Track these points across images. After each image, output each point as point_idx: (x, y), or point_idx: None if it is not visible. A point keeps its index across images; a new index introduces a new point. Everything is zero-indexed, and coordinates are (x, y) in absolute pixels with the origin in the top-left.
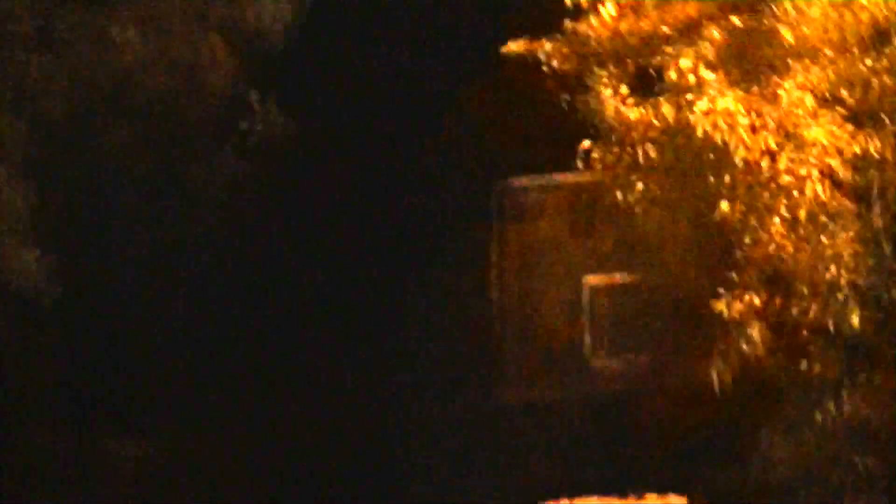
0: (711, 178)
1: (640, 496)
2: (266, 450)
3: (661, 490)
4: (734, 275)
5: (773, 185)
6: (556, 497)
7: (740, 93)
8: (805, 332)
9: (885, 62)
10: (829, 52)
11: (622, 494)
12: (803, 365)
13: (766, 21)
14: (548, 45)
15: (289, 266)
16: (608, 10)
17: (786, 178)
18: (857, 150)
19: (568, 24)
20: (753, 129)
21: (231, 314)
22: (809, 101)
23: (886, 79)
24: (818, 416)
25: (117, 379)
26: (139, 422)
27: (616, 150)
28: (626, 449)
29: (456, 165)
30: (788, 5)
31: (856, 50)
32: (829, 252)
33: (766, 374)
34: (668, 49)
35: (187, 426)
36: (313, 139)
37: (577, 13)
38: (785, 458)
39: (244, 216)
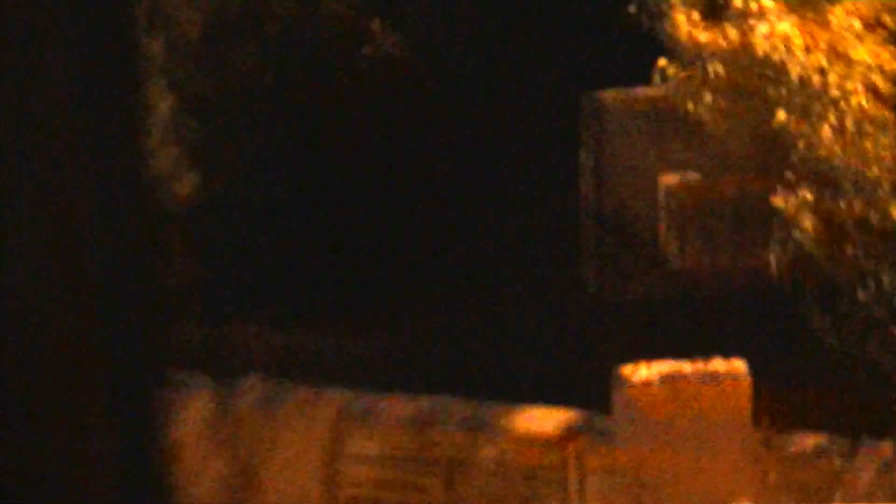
0: (770, 92)
1: (708, 360)
2: None
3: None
4: (790, 174)
5: (824, 98)
6: None
7: (796, 19)
8: (850, 224)
9: None
10: None
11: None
12: (848, 251)
13: None
14: None
15: (402, 181)
16: None
17: (835, 92)
18: None
19: None
20: (807, 50)
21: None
22: (857, 25)
23: None
24: (860, 294)
25: None
26: None
27: (688, 68)
28: (698, 338)
29: (550, 79)
30: None
31: None
32: (871, 155)
33: (816, 260)
34: None
35: None
36: (427, 63)
37: None
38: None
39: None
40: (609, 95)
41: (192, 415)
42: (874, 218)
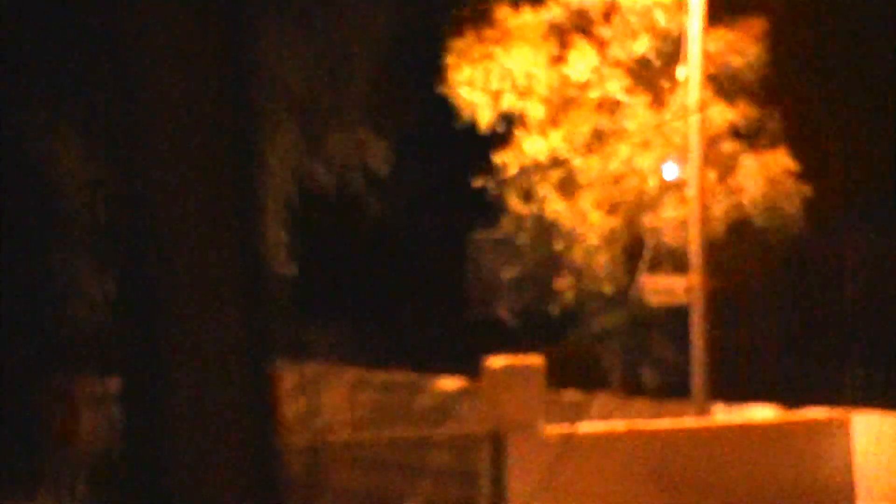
0: (553, 235)
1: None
2: None
3: None
4: (565, 272)
5: (577, 240)
6: None
7: (564, 202)
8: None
9: None
10: None
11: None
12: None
13: None
14: None
15: None
16: None
17: (583, 239)
18: None
19: None
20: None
21: None
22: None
23: None
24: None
25: None
26: None
27: (517, 221)
28: None
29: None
30: None
31: None
32: (602, 263)
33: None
34: None
35: None
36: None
37: None
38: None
39: None
40: (480, 234)
41: (287, 382)
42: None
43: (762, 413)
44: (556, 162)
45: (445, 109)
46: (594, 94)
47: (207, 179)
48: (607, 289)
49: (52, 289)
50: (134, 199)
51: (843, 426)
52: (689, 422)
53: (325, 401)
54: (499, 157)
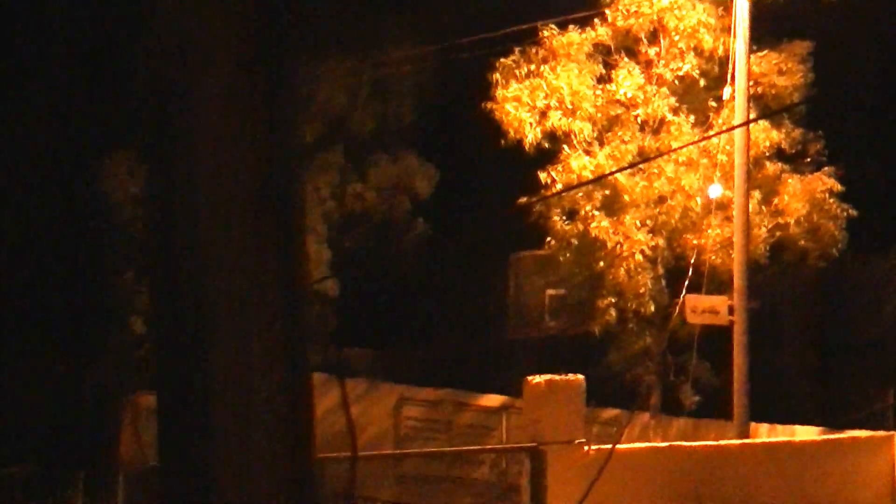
0: (597, 255)
1: None
2: None
3: None
4: (604, 292)
5: (620, 258)
6: None
7: (608, 220)
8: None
9: None
10: None
11: None
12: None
13: None
14: None
15: None
16: None
17: (626, 255)
18: None
19: None
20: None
21: None
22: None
23: None
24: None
25: None
26: None
27: (560, 241)
28: None
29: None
30: None
31: None
32: (642, 282)
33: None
34: None
35: None
36: None
37: None
38: None
39: None
40: (523, 253)
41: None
42: (644, 309)
43: (804, 433)
44: (601, 179)
45: (491, 130)
46: (640, 113)
47: (252, 202)
48: (650, 308)
49: (113, 307)
50: (179, 218)
51: (886, 447)
52: (730, 441)
53: (370, 417)
54: (544, 175)
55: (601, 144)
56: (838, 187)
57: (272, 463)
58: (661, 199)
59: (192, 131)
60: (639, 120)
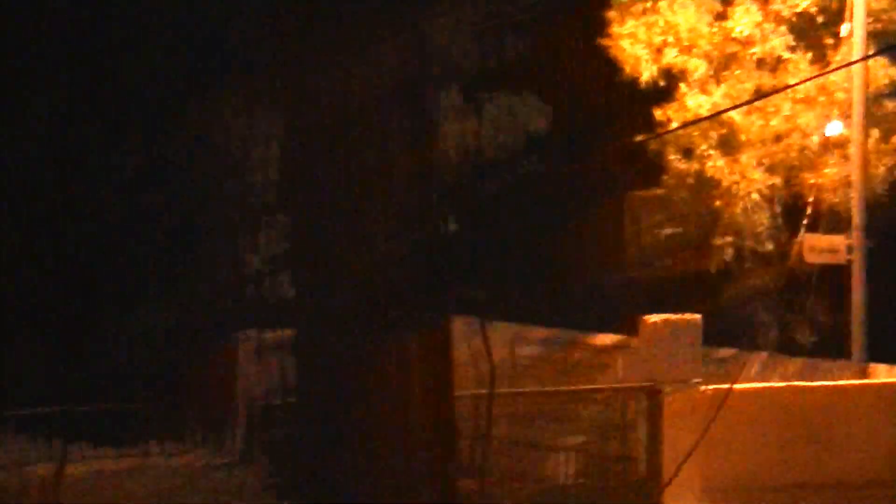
0: (713, 193)
1: None
2: None
3: None
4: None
5: (737, 196)
6: None
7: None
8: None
9: None
10: None
11: None
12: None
13: None
14: None
15: None
16: None
17: (742, 194)
18: None
19: None
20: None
21: None
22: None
23: None
24: None
25: None
26: None
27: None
28: None
29: None
30: None
31: None
32: (759, 220)
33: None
34: None
35: None
36: None
37: None
38: None
39: None
40: (640, 192)
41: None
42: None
43: None
44: (718, 115)
45: (607, 66)
46: (757, 51)
47: (385, 143)
48: (767, 247)
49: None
50: (317, 165)
51: None
52: (848, 381)
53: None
54: (660, 112)
55: (717, 82)
56: None
57: (409, 399)
58: (778, 138)
59: (333, 62)
60: (755, 58)
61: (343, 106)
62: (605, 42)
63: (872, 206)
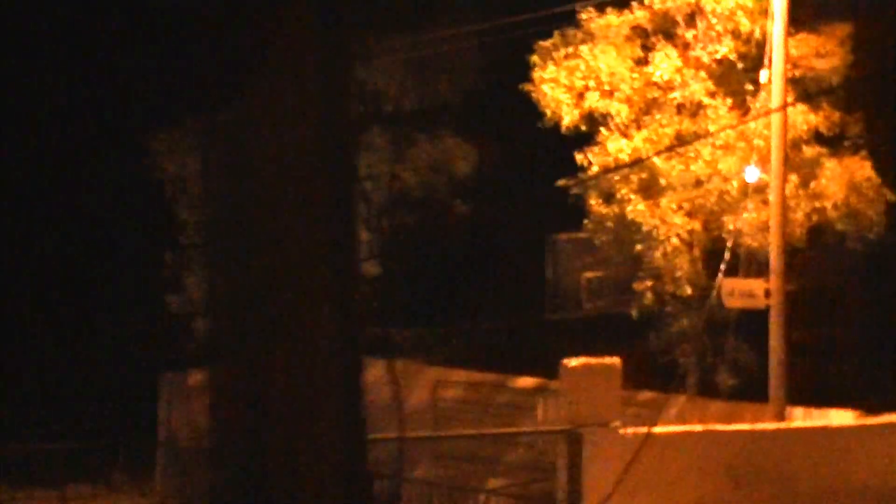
0: (634, 237)
1: None
2: None
3: None
4: (642, 273)
5: (657, 241)
6: None
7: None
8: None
9: None
10: None
11: None
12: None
13: None
14: None
15: None
16: None
17: (662, 238)
18: None
19: None
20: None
21: None
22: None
23: None
24: None
25: None
26: None
27: (597, 225)
28: None
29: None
30: None
31: None
32: (679, 264)
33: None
34: None
35: None
36: None
37: None
38: None
39: None
40: (561, 235)
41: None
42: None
43: (839, 418)
44: (639, 163)
45: (530, 111)
46: (677, 96)
47: (307, 186)
48: (686, 291)
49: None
50: (234, 201)
51: None
52: (766, 424)
53: (408, 397)
54: (581, 157)
55: (638, 127)
56: (876, 171)
57: (325, 442)
58: (698, 183)
59: (253, 103)
60: (676, 103)
61: (261, 147)
62: (527, 87)
63: (791, 251)
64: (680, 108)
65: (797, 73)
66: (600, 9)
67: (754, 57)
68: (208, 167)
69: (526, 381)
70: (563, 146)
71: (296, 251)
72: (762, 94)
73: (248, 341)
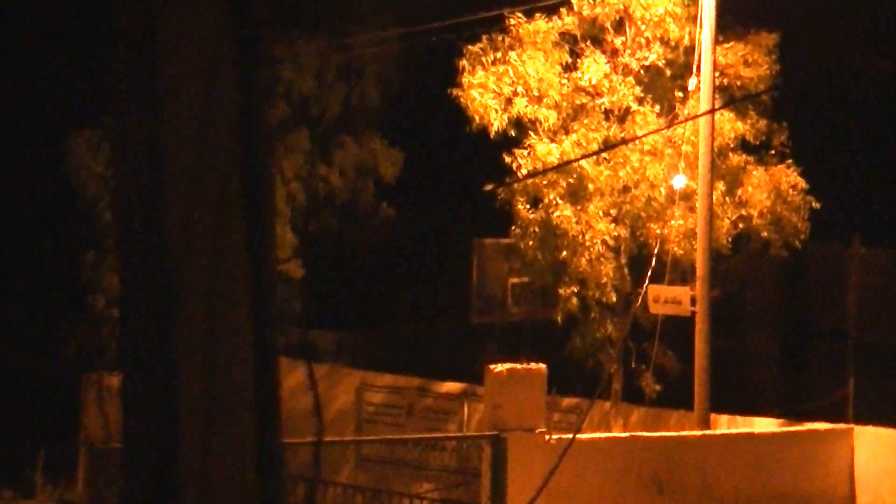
0: (558, 244)
1: None
2: None
3: None
4: (567, 279)
5: (583, 247)
6: None
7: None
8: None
9: None
10: None
11: None
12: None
13: None
14: None
15: None
16: None
17: (588, 244)
18: None
19: None
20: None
21: None
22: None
23: None
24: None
25: None
26: None
27: (524, 230)
28: None
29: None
30: None
31: None
32: (604, 271)
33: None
34: None
35: None
36: None
37: None
38: None
39: None
40: (487, 240)
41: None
42: (607, 298)
43: (763, 425)
44: (566, 164)
45: (457, 116)
46: (605, 102)
47: (221, 184)
48: (612, 297)
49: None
50: (146, 194)
51: (844, 439)
52: (690, 431)
53: (331, 401)
54: (510, 159)
55: (567, 133)
56: (802, 184)
57: (239, 446)
58: (626, 189)
59: (165, 101)
60: (604, 109)
61: (173, 148)
62: (455, 91)
63: (716, 258)
64: (608, 114)
65: (725, 80)
66: (529, 14)
67: (682, 64)
68: (119, 168)
69: (451, 386)
70: (492, 150)
71: (209, 254)
72: (690, 102)
73: (160, 344)
